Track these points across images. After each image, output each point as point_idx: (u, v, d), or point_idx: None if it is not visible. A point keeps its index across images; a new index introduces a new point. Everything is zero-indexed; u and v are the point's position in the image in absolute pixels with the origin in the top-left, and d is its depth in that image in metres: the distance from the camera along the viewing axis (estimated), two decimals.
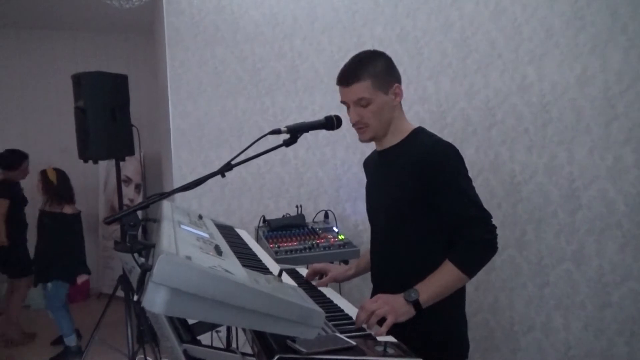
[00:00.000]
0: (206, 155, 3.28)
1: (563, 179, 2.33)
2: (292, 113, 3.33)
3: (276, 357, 1.00)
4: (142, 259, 1.12)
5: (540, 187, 2.42)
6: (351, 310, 1.47)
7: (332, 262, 2.46)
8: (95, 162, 3.03)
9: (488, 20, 2.60)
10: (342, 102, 1.58)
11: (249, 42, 3.29)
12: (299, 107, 3.34)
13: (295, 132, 1.49)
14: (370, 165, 1.73)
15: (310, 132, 1.55)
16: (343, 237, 2.82)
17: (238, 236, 2.10)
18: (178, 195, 2.86)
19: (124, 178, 5.11)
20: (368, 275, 1.75)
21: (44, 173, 4.01)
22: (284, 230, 2.90)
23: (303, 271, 1.92)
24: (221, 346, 1.77)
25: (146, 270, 0.94)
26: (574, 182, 2.30)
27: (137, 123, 3.16)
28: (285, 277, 1.57)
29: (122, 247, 1.16)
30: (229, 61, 3.28)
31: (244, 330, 1.30)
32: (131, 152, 3.11)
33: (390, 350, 1.12)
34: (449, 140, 1.52)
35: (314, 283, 1.80)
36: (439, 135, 1.57)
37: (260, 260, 1.80)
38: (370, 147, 1.72)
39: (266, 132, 1.45)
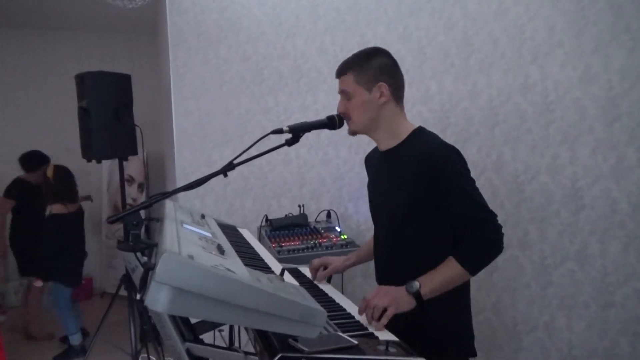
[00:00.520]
0: (209, 154, 3.28)
1: (566, 179, 2.33)
2: (294, 112, 3.33)
3: (278, 356, 1.00)
4: (145, 258, 1.13)
5: (543, 187, 2.41)
6: (353, 310, 1.48)
7: None
8: (99, 161, 3.03)
9: (491, 20, 2.59)
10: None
11: (252, 42, 3.30)
12: (301, 107, 3.34)
13: (297, 132, 1.50)
14: (372, 163, 1.73)
15: (313, 131, 1.56)
16: (345, 236, 2.82)
17: (240, 235, 2.11)
18: (181, 195, 2.86)
19: (127, 177, 5.13)
20: (370, 274, 1.75)
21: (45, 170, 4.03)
22: (286, 229, 2.90)
23: (305, 270, 1.92)
24: (223, 345, 1.77)
25: (149, 269, 0.94)
26: (577, 182, 2.29)
27: (140, 123, 3.16)
28: (288, 277, 1.57)
29: (125, 247, 1.16)
30: (231, 61, 3.28)
31: (246, 329, 1.31)
32: (134, 152, 3.11)
33: (392, 349, 1.12)
34: (452, 139, 1.52)
35: (316, 278, 1.81)
36: (442, 135, 1.57)
37: (263, 260, 1.80)
38: (373, 146, 1.72)
39: (269, 131, 1.46)
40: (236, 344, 2.15)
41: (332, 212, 3.16)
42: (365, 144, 1.71)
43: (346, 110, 1.57)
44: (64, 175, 3.91)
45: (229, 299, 0.90)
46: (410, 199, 1.49)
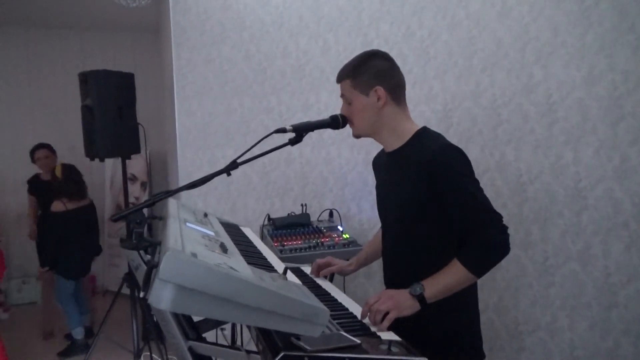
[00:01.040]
0: (212, 153, 3.29)
1: (569, 179, 2.32)
2: (297, 112, 3.33)
3: (281, 355, 1.01)
4: (148, 257, 1.13)
5: (546, 187, 2.41)
6: (355, 309, 1.48)
7: None
8: (102, 160, 3.04)
9: (494, 20, 2.59)
10: None
11: (255, 41, 3.30)
12: (304, 106, 3.34)
13: (300, 131, 1.50)
14: (380, 165, 1.73)
15: (316, 131, 1.56)
16: (348, 236, 2.82)
17: (243, 234, 2.11)
18: (184, 194, 2.87)
19: (130, 176, 5.14)
20: (372, 274, 1.75)
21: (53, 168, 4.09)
22: (288, 228, 2.91)
23: (307, 270, 1.92)
24: (226, 344, 1.78)
25: (152, 267, 0.94)
26: (580, 182, 2.29)
27: (143, 121, 3.18)
28: (290, 276, 1.57)
29: (128, 244, 1.17)
30: (234, 60, 3.29)
31: (248, 327, 1.31)
32: (137, 150, 3.12)
33: (394, 349, 1.12)
34: (455, 139, 1.51)
35: (319, 276, 1.81)
36: (444, 134, 1.56)
37: (265, 259, 1.80)
38: (376, 146, 1.72)
39: (271, 131, 1.46)
40: (238, 343, 2.16)
41: (334, 211, 3.16)
42: (368, 144, 1.71)
43: (348, 114, 1.58)
44: (72, 173, 4.02)
45: (232, 297, 0.90)
46: (415, 200, 1.48)
